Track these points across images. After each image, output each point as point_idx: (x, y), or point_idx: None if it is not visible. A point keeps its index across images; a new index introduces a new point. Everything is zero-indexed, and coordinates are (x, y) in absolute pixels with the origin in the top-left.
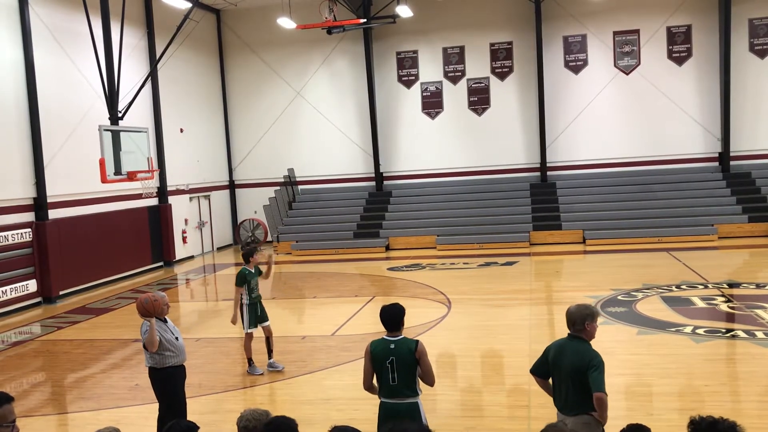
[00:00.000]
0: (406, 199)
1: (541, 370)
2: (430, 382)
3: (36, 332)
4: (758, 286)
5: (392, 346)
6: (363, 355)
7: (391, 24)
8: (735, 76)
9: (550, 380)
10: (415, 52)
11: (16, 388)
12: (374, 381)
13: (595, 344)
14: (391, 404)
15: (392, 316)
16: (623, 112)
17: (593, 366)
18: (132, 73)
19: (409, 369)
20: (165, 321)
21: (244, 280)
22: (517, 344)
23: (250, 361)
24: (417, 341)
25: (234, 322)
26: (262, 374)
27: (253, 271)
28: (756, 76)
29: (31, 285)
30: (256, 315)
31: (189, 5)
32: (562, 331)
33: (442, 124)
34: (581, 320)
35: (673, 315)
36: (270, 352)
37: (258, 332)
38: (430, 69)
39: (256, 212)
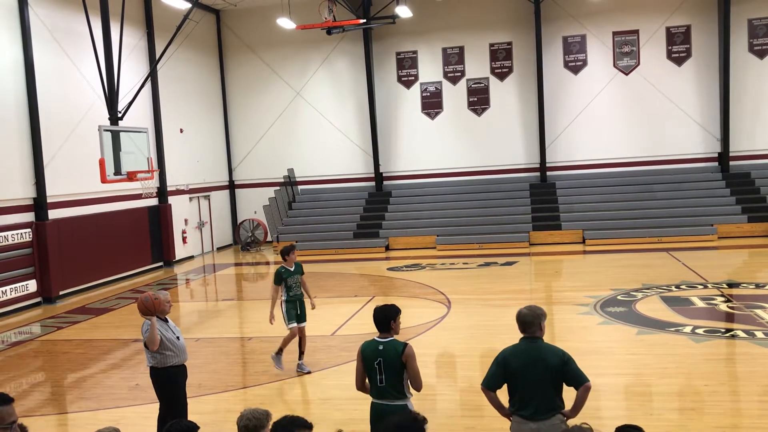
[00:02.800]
0: (406, 199)
1: (495, 382)
2: (417, 386)
3: (36, 332)
4: (758, 286)
5: (380, 347)
6: None
7: (391, 24)
8: (734, 77)
9: (499, 391)
10: (415, 52)
11: (16, 388)
12: (367, 382)
13: (595, 344)
14: (381, 405)
15: (383, 317)
16: (623, 113)
17: (567, 360)
18: (132, 73)
19: (396, 371)
20: (166, 321)
21: (280, 278)
22: None
23: (280, 350)
24: (405, 344)
25: (271, 320)
26: (282, 370)
27: (291, 270)
28: (755, 76)
29: (31, 285)
30: (296, 313)
31: (189, 5)
32: (562, 332)
33: (441, 124)
34: (538, 321)
35: (672, 315)
36: (301, 353)
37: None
38: (430, 69)
39: (255, 212)
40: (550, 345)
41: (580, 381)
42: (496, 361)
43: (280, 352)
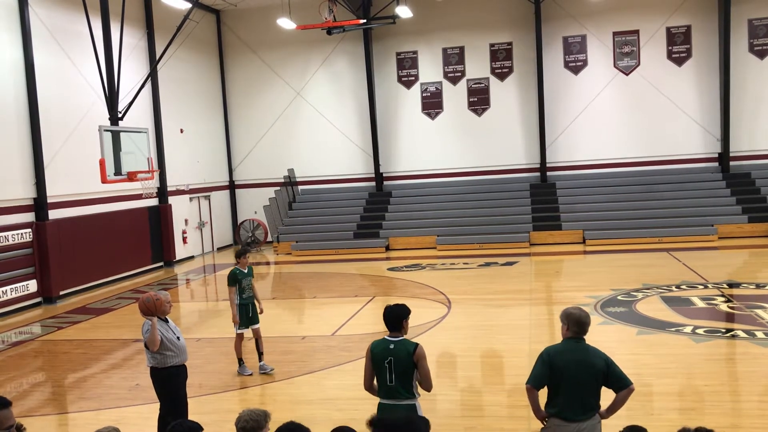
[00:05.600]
0: (406, 200)
1: (542, 381)
2: (427, 387)
3: (36, 332)
4: (758, 286)
5: (391, 346)
6: (364, 355)
7: (391, 24)
8: (734, 77)
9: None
10: (415, 52)
11: (16, 388)
12: (375, 382)
13: (595, 344)
14: (388, 405)
15: (394, 316)
16: (623, 113)
17: (609, 362)
18: (132, 73)
19: (407, 371)
20: (166, 321)
21: (234, 279)
22: (517, 344)
23: (240, 361)
24: (416, 344)
25: (235, 321)
26: (251, 374)
27: (245, 271)
28: (755, 76)
29: (32, 285)
30: (247, 316)
31: (189, 5)
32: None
33: (441, 124)
34: (589, 323)
35: (673, 315)
36: (260, 354)
37: (248, 333)
38: (430, 69)
39: (256, 212)
40: (593, 347)
41: (624, 383)
42: (541, 359)
43: (240, 362)
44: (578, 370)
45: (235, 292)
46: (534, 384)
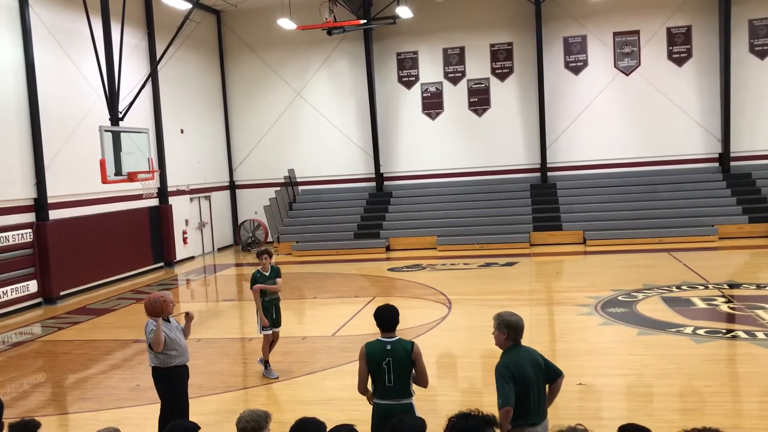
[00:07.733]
0: (407, 200)
1: (513, 398)
2: (424, 383)
3: (37, 333)
4: (759, 286)
5: (388, 347)
6: None
7: (391, 25)
8: (735, 77)
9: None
10: (415, 52)
11: (16, 388)
12: (369, 384)
13: (596, 345)
14: (386, 405)
15: (389, 317)
16: (623, 113)
17: (542, 356)
18: (132, 73)
19: (405, 370)
20: (168, 320)
21: (255, 282)
22: None
23: (266, 363)
24: (413, 342)
25: (265, 324)
26: (277, 378)
27: (266, 274)
28: (756, 76)
29: (32, 285)
30: (271, 318)
31: (189, 6)
32: (563, 332)
33: (442, 124)
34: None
35: (673, 315)
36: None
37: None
38: (430, 70)
39: (256, 213)
40: (528, 346)
41: (558, 372)
42: (503, 378)
43: (267, 364)
44: (536, 374)
45: (259, 293)
46: (511, 403)
